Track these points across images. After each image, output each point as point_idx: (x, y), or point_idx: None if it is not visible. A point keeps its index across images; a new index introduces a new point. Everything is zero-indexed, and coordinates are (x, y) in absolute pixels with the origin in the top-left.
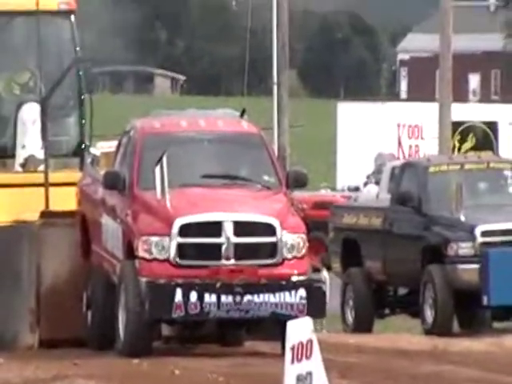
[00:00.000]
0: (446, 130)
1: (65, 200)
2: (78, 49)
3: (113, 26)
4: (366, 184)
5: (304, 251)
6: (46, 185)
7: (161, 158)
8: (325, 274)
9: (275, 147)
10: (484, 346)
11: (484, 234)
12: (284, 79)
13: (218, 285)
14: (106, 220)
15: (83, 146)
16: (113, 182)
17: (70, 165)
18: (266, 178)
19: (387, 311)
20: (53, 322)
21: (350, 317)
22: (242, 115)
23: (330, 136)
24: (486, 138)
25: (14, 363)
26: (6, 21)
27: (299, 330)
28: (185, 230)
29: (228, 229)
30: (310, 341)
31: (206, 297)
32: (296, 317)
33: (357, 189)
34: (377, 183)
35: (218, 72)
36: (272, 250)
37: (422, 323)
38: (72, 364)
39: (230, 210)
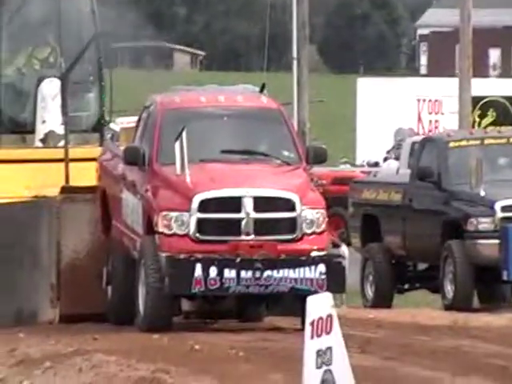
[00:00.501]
0: (466, 105)
1: (85, 175)
2: (97, 24)
3: (133, 1)
4: (385, 159)
5: (323, 226)
6: (66, 160)
7: (180, 134)
8: (344, 249)
9: (295, 122)
10: (504, 321)
11: (504, 208)
12: (304, 54)
13: (238, 260)
14: (126, 195)
15: (103, 122)
16: (133, 157)
17: (90, 140)
18: (285, 153)
19: (407, 286)
20: (73, 297)
21: (369, 292)
22: (261, 90)
23: (350, 111)
24: (506, 112)
25: (35, 338)
26: None
27: (319, 305)
28: (204, 206)
29: (248, 204)
30: (330, 316)
31: (226, 272)
32: (316, 292)
33: (376, 164)
34: (396, 158)
35: (237, 48)
36: (291, 225)
37: (442, 298)
38: (92, 339)
39: (250, 185)
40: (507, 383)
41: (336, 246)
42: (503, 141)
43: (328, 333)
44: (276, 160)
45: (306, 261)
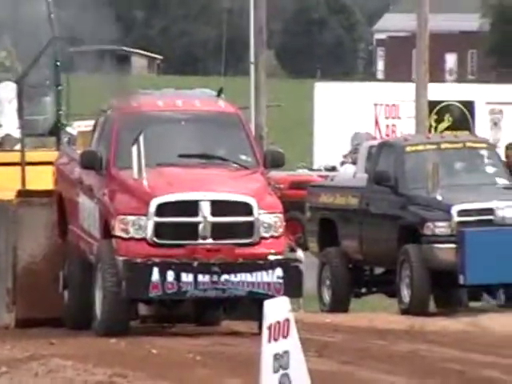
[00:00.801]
0: (422, 109)
1: (41, 179)
2: (54, 27)
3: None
4: (342, 163)
5: (281, 230)
6: (23, 164)
7: (137, 138)
8: (300, 253)
9: (252, 127)
10: (460, 325)
11: (460, 213)
12: (261, 59)
13: (195, 264)
14: (83, 199)
15: (60, 125)
16: (90, 161)
17: (47, 144)
18: (243, 157)
19: (364, 290)
20: (29, 301)
21: (326, 296)
22: (219, 95)
23: (307, 116)
24: (462, 117)
25: None
26: None
27: (276, 309)
28: (162, 210)
29: (205, 208)
30: (287, 320)
31: (183, 276)
32: (273, 296)
33: (334, 168)
34: (353, 163)
35: (195, 52)
36: (249, 229)
37: (399, 302)
38: (49, 343)
39: (207, 189)
40: None
41: (293, 250)
42: (459, 145)
43: (285, 337)
44: (234, 164)
45: (264, 265)
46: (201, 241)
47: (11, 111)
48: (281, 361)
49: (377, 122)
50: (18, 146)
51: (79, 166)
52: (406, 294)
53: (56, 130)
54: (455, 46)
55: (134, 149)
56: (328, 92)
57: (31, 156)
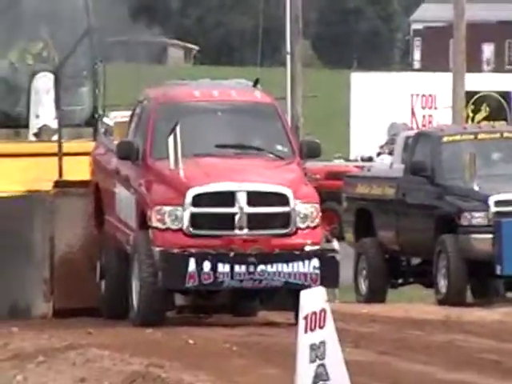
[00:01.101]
0: (459, 99)
1: (78, 170)
2: (91, 18)
3: None
4: (379, 154)
5: (317, 221)
6: (60, 154)
7: (174, 128)
8: (336, 244)
9: (289, 117)
10: (497, 315)
11: (497, 203)
12: (297, 49)
13: (232, 254)
14: (120, 190)
15: (97, 116)
16: (126, 151)
17: (84, 134)
18: (279, 147)
19: (400, 281)
20: (67, 291)
21: (363, 287)
22: (255, 85)
23: (344, 106)
24: (499, 107)
25: (29, 332)
26: None
27: (312, 299)
28: (198, 200)
29: (241, 199)
30: (324, 310)
31: (220, 266)
32: (309, 286)
33: (370, 159)
34: (390, 153)
35: (231, 42)
36: (285, 219)
37: (436, 293)
38: (86, 333)
39: (243, 179)
40: (500, 377)
41: (329, 240)
42: (497, 136)
43: (321, 327)
44: (270, 154)
45: (300, 255)
46: (237, 231)
47: (49, 102)
48: (317, 351)
49: (413, 113)
50: (55, 137)
51: (116, 157)
52: (442, 284)
53: (93, 121)
54: (492, 35)
55: (171, 139)
56: (365, 82)
57: (68, 146)
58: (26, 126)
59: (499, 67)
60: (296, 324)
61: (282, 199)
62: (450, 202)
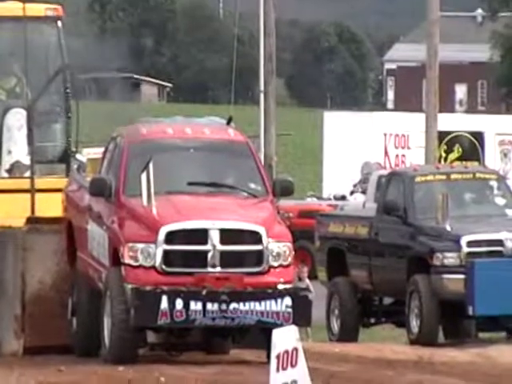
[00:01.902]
0: (432, 140)
1: (51, 206)
2: (64, 55)
3: (99, 32)
4: (352, 193)
5: (290, 259)
6: (32, 191)
7: (147, 165)
8: (308, 283)
9: (262, 155)
10: (469, 356)
11: (470, 244)
12: (271, 88)
13: (204, 292)
14: (92, 226)
15: (69, 152)
16: (99, 188)
17: (57, 171)
18: (252, 185)
19: (373, 320)
20: (38, 328)
21: (335, 326)
22: (228, 123)
23: (317, 145)
24: (472, 148)
25: None
26: None
27: (285, 338)
28: (171, 238)
29: (214, 236)
30: (296, 349)
31: (192, 304)
32: (282, 325)
33: (343, 198)
34: (363, 192)
35: (204, 80)
36: (258, 257)
37: (408, 333)
38: (57, 371)
39: (216, 217)
40: None
41: (301, 279)
42: (469, 176)
43: (293, 366)
44: (243, 192)
45: (272, 294)
46: (210, 269)
47: (21, 138)
48: None
49: (386, 152)
50: (27, 173)
51: (88, 193)
52: (415, 324)
53: (66, 157)
54: (465, 76)
55: (144, 176)
56: (338, 121)
57: (41, 183)
58: None
59: (472, 108)
60: (268, 362)
61: (254, 237)
62: (422, 242)
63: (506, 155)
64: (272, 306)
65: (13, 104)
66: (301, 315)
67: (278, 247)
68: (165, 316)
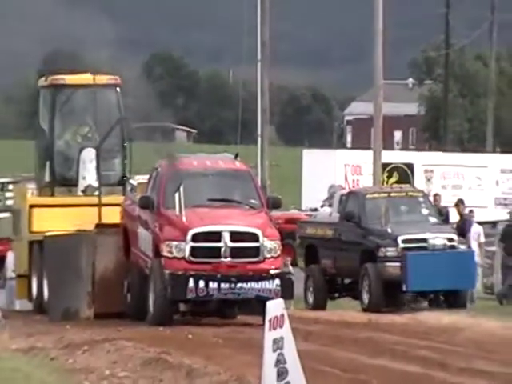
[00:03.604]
0: (378, 169)
1: (112, 216)
2: (122, 110)
3: (146, 93)
4: (322, 206)
5: (279, 253)
6: (99, 205)
7: (178, 187)
8: (291, 269)
9: (259, 180)
10: (404, 319)
11: (404, 241)
12: (265, 132)
13: (219, 276)
14: (141, 230)
15: (125, 178)
16: (146, 203)
17: (116, 191)
18: (252, 201)
19: (336, 295)
20: (103, 301)
21: (310, 298)
22: (235, 157)
23: (298, 173)
24: (405, 174)
25: (77, 329)
26: (73, 91)
27: (275, 307)
28: (195, 237)
29: (226, 236)
30: (282, 315)
31: (210, 284)
32: (273, 298)
33: (316, 209)
34: (330, 206)
35: (219, 127)
36: (257, 251)
37: (361, 303)
38: (117, 330)
39: (227, 223)
40: (406, 362)
41: (286, 266)
42: (403, 194)
43: (281, 327)
44: (245, 206)
45: (267, 276)
46: (223, 259)
47: (92, 168)
48: (278, 344)
49: (346, 178)
50: (96, 193)
51: (138, 207)
52: (366, 297)
53: (122, 182)
54: (400, 125)
55: (176, 195)
56: (312, 156)
57: (105, 200)
58: (76, 185)
59: (405, 147)
60: (263, 324)
61: (254, 237)
62: (371, 240)
63: (429, 180)
64: (266, 285)
65: (86, 145)
66: (286, 291)
67: (270, 244)
68: (191, 292)
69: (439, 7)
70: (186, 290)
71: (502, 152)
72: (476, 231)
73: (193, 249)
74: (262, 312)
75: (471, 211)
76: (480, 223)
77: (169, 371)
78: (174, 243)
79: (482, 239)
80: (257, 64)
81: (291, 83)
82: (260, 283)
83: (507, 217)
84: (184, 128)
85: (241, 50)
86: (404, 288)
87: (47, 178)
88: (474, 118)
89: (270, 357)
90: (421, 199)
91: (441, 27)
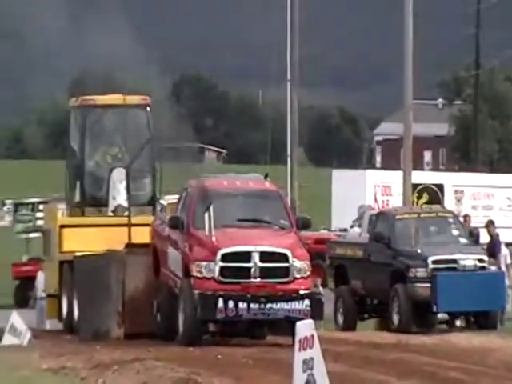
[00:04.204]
0: (407, 189)
1: (142, 236)
2: (151, 130)
3: (176, 114)
4: (352, 227)
5: (308, 273)
6: (129, 225)
7: (208, 207)
8: (321, 289)
9: (289, 200)
10: (434, 340)
11: (434, 262)
12: (295, 153)
13: (248, 296)
14: (171, 250)
15: (155, 198)
16: (175, 223)
17: (146, 211)
18: (281, 221)
19: (366, 316)
20: (133, 320)
21: (340, 319)
22: (265, 178)
23: (327, 193)
24: (435, 195)
25: (107, 349)
26: (104, 111)
27: (305, 328)
28: (225, 257)
29: (255, 257)
30: (312, 336)
31: (240, 304)
32: (302, 319)
33: (345, 230)
34: (359, 226)
35: (249, 148)
36: (286, 271)
37: (391, 324)
38: (147, 350)
39: (257, 243)
40: (434, 383)
41: (316, 286)
42: (433, 215)
43: (311, 347)
44: (275, 226)
45: (296, 297)
46: (252, 280)
47: (122, 188)
48: (308, 364)
49: (376, 198)
50: (126, 213)
51: (168, 227)
52: (395, 318)
53: (152, 202)
54: (430, 145)
55: (206, 215)
56: (342, 177)
57: (135, 219)
58: (106, 205)
59: (435, 167)
60: (293, 345)
61: (284, 257)
62: (401, 261)
63: (459, 200)
64: (296, 305)
65: (116, 165)
66: (316, 312)
67: (300, 264)
68: (221, 312)
69: (469, 28)
70: (215, 310)
71: None
72: (504, 253)
73: (222, 269)
74: (292, 332)
75: (496, 234)
76: (509, 244)
77: None
78: (204, 263)
79: (509, 260)
80: (286, 84)
81: (320, 104)
82: (289, 303)
83: None
84: (214, 148)
85: (270, 71)
86: (434, 309)
87: (77, 198)
88: (504, 138)
89: (299, 377)
90: (451, 220)
91: (471, 47)
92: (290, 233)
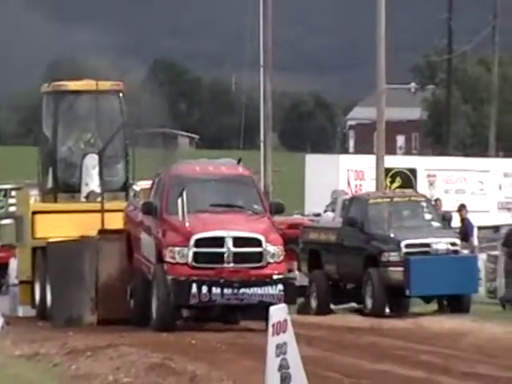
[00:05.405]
0: (380, 174)
1: (115, 222)
2: (124, 116)
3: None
4: (325, 211)
5: (282, 258)
6: (102, 211)
7: (181, 193)
8: (295, 274)
9: (262, 185)
10: (406, 324)
11: (407, 246)
12: (268, 139)
13: (222, 281)
14: (144, 235)
15: (128, 184)
16: (148, 209)
17: (119, 197)
18: (255, 206)
19: (339, 300)
20: (107, 306)
21: (313, 304)
22: (238, 163)
23: (301, 178)
24: (408, 179)
25: (80, 335)
26: (76, 97)
27: (278, 312)
28: (198, 243)
29: (229, 242)
30: (285, 320)
31: (213, 289)
32: (276, 303)
33: (319, 215)
34: (333, 211)
35: (222, 133)
36: (259, 256)
37: (364, 308)
38: (120, 336)
39: (230, 228)
40: (408, 368)
41: (290, 271)
42: (406, 199)
43: (284, 332)
44: (248, 211)
45: (270, 282)
46: (226, 265)
47: (95, 174)
48: (281, 349)
49: (349, 183)
50: (99, 199)
51: (141, 212)
52: (368, 302)
53: (125, 188)
54: (403, 130)
55: (179, 200)
56: (315, 161)
57: (108, 205)
58: (79, 191)
59: (408, 151)
60: (266, 329)
61: (257, 242)
62: (374, 245)
63: (431, 184)
64: (269, 290)
65: (89, 151)
66: (289, 296)
67: (273, 249)
68: (194, 298)
69: (441, 12)
70: (188, 296)
71: (505, 156)
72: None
73: (196, 254)
74: (265, 317)
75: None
76: (483, 227)
77: (172, 377)
78: (177, 249)
79: (476, 243)
80: (259, 70)
81: (293, 89)
82: (263, 288)
83: (510, 221)
84: (186, 134)
85: (243, 57)
86: (407, 293)
87: (50, 184)
88: (477, 123)
89: (273, 362)
90: (423, 204)
91: (443, 32)
92: (264, 218)
